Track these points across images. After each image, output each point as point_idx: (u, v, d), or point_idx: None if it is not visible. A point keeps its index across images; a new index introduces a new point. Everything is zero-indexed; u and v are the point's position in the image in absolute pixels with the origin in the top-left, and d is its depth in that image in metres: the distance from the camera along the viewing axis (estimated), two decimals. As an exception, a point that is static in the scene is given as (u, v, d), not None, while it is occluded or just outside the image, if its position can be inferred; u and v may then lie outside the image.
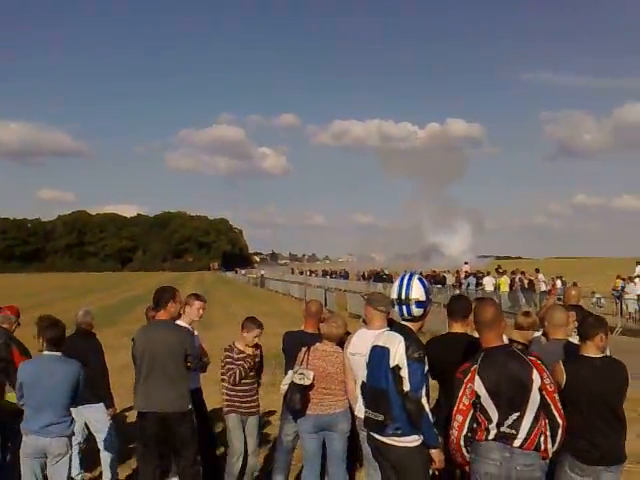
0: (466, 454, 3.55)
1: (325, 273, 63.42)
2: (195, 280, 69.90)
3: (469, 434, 3.51)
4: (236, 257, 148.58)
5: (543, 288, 26.09)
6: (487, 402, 3.43)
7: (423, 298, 3.80)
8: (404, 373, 3.60)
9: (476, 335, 3.85)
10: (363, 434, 4.33)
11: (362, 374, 4.04)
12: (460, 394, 3.49)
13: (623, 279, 24.96)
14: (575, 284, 23.18)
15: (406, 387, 3.58)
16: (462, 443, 3.51)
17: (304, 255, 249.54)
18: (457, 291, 29.36)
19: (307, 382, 4.65)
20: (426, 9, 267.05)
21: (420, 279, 3.94)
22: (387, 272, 47.31)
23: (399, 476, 3.73)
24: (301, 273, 69.16)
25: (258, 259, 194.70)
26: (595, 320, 4.07)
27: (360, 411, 4.31)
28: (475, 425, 3.50)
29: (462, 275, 33.05)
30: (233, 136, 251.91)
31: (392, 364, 3.65)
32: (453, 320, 4.33)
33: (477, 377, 3.45)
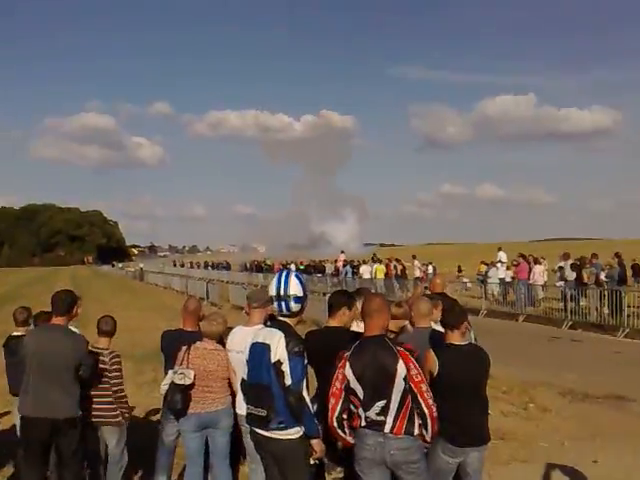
0: (342, 434, 3.73)
1: (207, 265, 62.66)
2: (68, 275, 66.32)
3: (344, 416, 3.71)
4: (112, 250, 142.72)
5: (418, 274, 27.43)
6: (356, 387, 3.66)
7: (301, 294, 3.93)
8: (285, 368, 3.71)
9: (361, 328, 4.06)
10: (245, 429, 4.41)
11: (241, 371, 4.12)
12: (334, 379, 3.70)
13: (487, 264, 26.68)
14: (437, 272, 24.64)
15: (287, 381, 3.69)
16: (335, 424, 3.70)
17: (184, 247, 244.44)
18: (335, 279, 30.21)
19: (188, 382, 4.64)
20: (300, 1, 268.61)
21: (297, 275, 4.08)
22: (269, 262, 47.63)
23: (281, 468, 3.85)
24: (182, 265, 67.86)
25: (136, 252, 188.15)
26: (460, 310, 4.34)
27: (241, 407, 4.38)
28: (353, 410, 3.70)
29: (340, 264, 33.87)
30: (103, 124, 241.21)
31: (273, 359, 3.74)
32: (329, 315, 4.51)
33: (347, 363, 3.67)
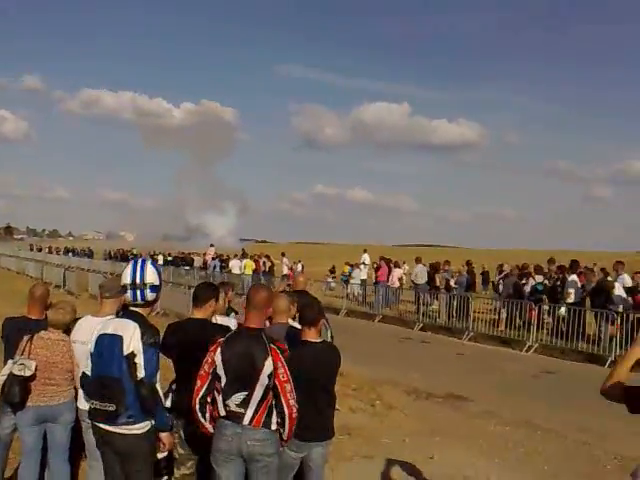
0: (202, 420, 3.73)
1: (67, 251, 59.47)
2: None
3: (208, 399, 3.70)
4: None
5: (285, 271, 27.81)
6: (221, 373, 3.66)
7: (157, 282, 3.87)
8: (139, 360, 3.63)
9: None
10: (86, 425, 4.29)
11: (85, 363, 3.98)
12: (204, 361, 3.70)
13: (351, 265, 27.57)
14: (303, 271, 25.18)
15: (140, 374, 3.62)
16: (197, 407, 3.70)
17: (44, 230, 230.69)
18: (203, 273, 29.85)
19: (28, 373, 4.43)
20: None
21: (153, 264, 4.04)
22: (135, 252, 46.11)
23: (124, 464, 3.77)
24: (40, 250, 63.91)
25: None
26: (317, 308, 4.43)
27: (82, 402, 4.28)
28: (216, 398, 3.69)
29: (208, 258, 33.55)
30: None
31: (126, 351, 3.64)
32: (195, 306, 4.55)
33: (219, 349, 3.67)
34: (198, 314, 4.48)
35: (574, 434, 7.47)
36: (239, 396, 3.63)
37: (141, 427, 3.71)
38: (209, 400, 3.72)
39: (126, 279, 3.84)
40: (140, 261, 3.97)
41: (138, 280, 3.81)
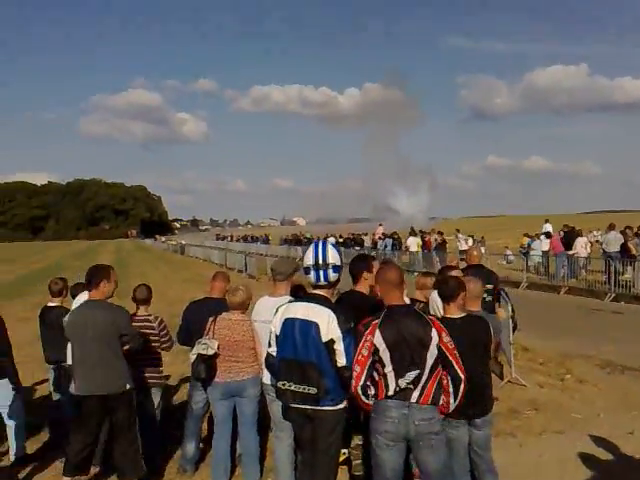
0: (366, 401, 3.64)
1: (246, 238, 63.22)
2: (112, 248, 67.99)
3: (368, 383, 3.60)
4: (155, 224, 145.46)
5: (463, 247, 27.03)
6: (385, 356, 3.54)
7: (339, 263, 3.86)
8: (338, 346, 3.65)
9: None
10: (270, 397, 4.43)
11: (266, 341, 4.09)
12: (360, 346, 3.58)
13: (530, 236, 26.18)
14: (476, 244, 24.30)
15: (342, 360, 3.65)
16: (360, 392, 3.60)
17: (226, 220, 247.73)
18: (374, 253, 30.01)
19: (211, 352, 4.67)
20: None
21: (333, 245, 4.03)
22: (308, 235, 47.71)
23: (317, 432, 3.79)
24: (223, 239, 68.58)
25: (179, 225, 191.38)
26: (455, 282, 4.17)
27: (266, 377, 4.43)
28: (377, 379, 3.59)
29: (377, 237, 33.66)
30: (150, 101, 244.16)
31: (325, 339, 3.66)
32: (354, 281, 4.56)
33: (377, 331, 3.54)
34: (359, 288, 4.50)
35: None
36: (410, 374, 3.52)
37: (343, 404, 3.78)
38: (368, 383, 3.62)
39: (309, 261, 3.88)
40: (321, 243, 3.98)
41: (320, 261, 3.82)
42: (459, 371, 3.55)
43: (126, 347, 4.67)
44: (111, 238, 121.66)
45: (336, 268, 3.85)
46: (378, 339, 3.54)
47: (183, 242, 66.50)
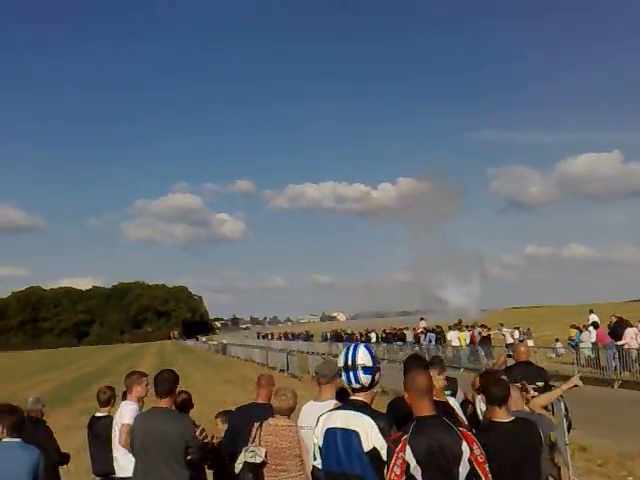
0: None
1: (287, 335, 62.93)
2: (155, 351, 68.31)
3: None
4: (197, 324, 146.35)
5: (509, 340, 26.32)
6: (417, 473, 3.37)
7: (370, 364, 3.75)
8: (384, 455, 3.50)
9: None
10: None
11: (310, 450, 4.00)
12: (392, 464, 3.41)
13: (578, 328, 25.43)
14: (523, 340, 23.61)
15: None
16: None
17: (266, 318, 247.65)
18: (417, 348, 29.46)
19: (259, 460, 4.57)
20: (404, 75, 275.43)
21: (366, 346, 3.94)
22: (349, 331, 47.27)
23: None
24: (264, 337, 68.35)
25: (219, 325, 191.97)
26: (503, 385, 4.05)
27: None
28: None
29: (419, 331, 33.15)
30: (190, 204, 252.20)
31: (367, 448, 3.54)
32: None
33: (408, 447, 3.39)
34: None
35: None
36: None
37: None
38: None
39: (340, 362, 3.83)
40: (353, 344, 3.94)
41: (350, 362, 3.75)
42: None
43: (189, 457, 4.65)
44: (154, 340, 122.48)
45: (367, 370, 3.74)
46: (409, 455, 3.38)
47: (225, 341, 66.53)
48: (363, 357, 3.76)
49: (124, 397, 5.86)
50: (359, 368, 3.74)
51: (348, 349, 3.85)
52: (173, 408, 4.83)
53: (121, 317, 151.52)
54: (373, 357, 3.83)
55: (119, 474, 4.83)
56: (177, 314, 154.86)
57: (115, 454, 5.15)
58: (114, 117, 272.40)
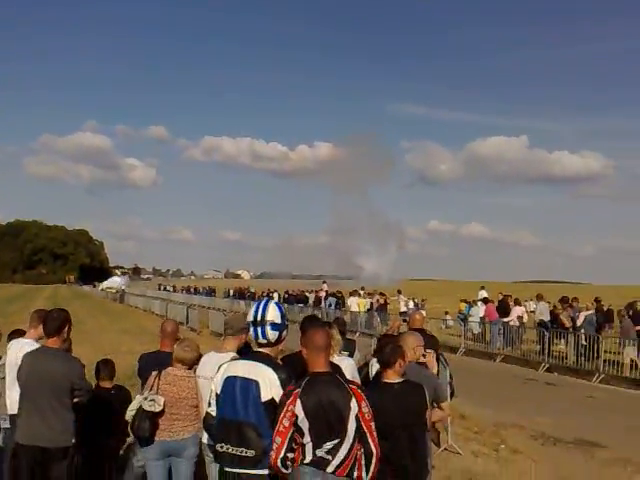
0: (286, 471, 3.50)
1: (189, 289, 62.34)
2: (48, 294, 65.61)
3: (288, 455, 3.48)
4: (95, 270, 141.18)
5: (403, 309, 27.42)
6: (304, 425, 3.47)
7: (278, 320, 3.80)
8: None
9: None
10: (208, 458, 4.36)
11: (206, 399, 4.02)
12: (281, 416, 3.49)
13: (468, 302, 26.73)
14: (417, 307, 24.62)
15: None
16: (280, 464, 3.46)
17: (169, 270, 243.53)
18: (317, 311, 30.04)
19: (158, 409, 4.54)
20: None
21: (277, 303, 4.00)
22: (252, 290, 47.40)
23: None
24: (165, 289, 67.36)
25: (120, 273, 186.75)
26: (393, 348, 4.20)
27: (205, 437, 4.30)
28: (294, 447, 3.50)
29: (321, 295, 33.79)
30: (99, 145, 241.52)
31: (265, 398, 3.58)
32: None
33: (298, 400, 3.47)
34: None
35: None
36: (329, 444, 3.45)
37: (268, 469, 3.61)
38: (289, 455, 3.49)
39: (249, 317, 3.87)
40: (264, 300, 3.97)
41: (259, 317, 3.78)
42: (372, 444, 3.48)
43: (75, 400, 4.56)
44: (48, 283, 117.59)
45: (275, 326, 3.78)
46: (298, 408, 3.46)
47: (123, 289, 64.91)
48: (273, 313, 3.81)
49: (19, 335, 5.70)
50: (267, 324, 3.78)
51: (259, 305, 3.88)
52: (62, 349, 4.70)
53: (14, 255, 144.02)
54: (282, 314, 3.89)
55: (9, 410, 4.72)
56: (75, 258, 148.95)
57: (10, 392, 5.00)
58: (27, 53, 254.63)
